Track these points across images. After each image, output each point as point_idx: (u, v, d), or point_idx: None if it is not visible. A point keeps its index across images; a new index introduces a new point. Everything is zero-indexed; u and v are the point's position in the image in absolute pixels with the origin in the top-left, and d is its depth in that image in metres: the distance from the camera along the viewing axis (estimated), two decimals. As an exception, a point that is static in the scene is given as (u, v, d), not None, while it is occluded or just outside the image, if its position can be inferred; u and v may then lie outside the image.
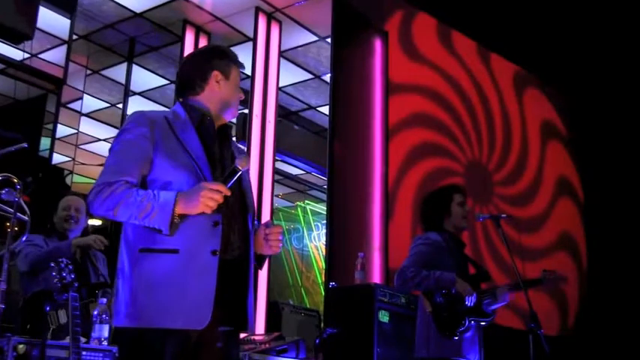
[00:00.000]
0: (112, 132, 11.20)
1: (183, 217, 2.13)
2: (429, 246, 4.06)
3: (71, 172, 10.42)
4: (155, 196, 2.14)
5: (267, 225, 2.37)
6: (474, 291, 3.92)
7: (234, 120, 7.54)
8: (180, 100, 2.41)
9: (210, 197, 2.10)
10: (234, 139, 2.52)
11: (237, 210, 2.28)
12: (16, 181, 3.37)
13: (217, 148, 2.32)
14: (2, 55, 8.20)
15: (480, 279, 4.12)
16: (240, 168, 2.19)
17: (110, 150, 2.26)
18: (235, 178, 2.19)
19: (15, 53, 8.61)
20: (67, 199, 4.54)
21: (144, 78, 10.05)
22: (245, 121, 7.55)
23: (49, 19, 8.26)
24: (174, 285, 2.08)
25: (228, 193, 2.13)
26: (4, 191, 3.31)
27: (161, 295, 2.07)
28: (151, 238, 2.14)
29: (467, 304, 3.88)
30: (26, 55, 9.06)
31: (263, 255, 2.38)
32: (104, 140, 11.64)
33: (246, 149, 2.34)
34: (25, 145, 3.58)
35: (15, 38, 6.54)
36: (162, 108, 11.34)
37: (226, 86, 2.38)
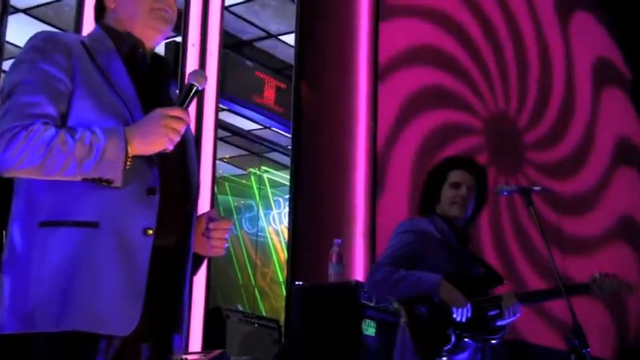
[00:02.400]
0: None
1: (132, 160, 2.18)
2: (413, 235, 4.14)
3: None
4: (95, 133, 2.16)
5: (210, 217, 2.43)
6: (468, 300, 3.96)
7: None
8: (100, 22, 2.49)
9: (173, 127, 2.18)
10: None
11: (178, 178, 2.36)
12: None
13: (152, 88, 2.41)
14: None
15: (488, 283, 4.20)
16: (196, 85, 2.25)
17: (11, 82, 2.25)
18: (191, 98, 2.28)
19: None
20: None
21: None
22: (177, 54, 7.60)
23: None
24: (89, 271, 2.10)
25: (189, 120, 2.22)
26: None
27: (69, 285, 2.07)
28: (58, 205, 2.15)
29: (455, 317, 3.95)
30: None
31: (200, 255, 2.45)
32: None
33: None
34: None
35: None
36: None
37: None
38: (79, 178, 2.15)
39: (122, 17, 2.43)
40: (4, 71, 11.27)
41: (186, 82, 2.26)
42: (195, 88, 2.25)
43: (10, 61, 2.39)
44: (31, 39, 2.31)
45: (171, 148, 2.21)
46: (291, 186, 6.89)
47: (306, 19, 7.31)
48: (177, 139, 2.20)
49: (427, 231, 4.15)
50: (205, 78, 2.28)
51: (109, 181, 2.14)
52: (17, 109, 2.19)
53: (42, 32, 2.37)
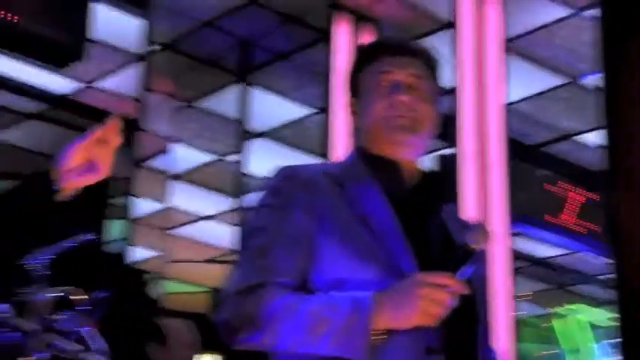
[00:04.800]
0: (224, 203, 11.56)
1: (386, 335, 2.16)
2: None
3: (158, 277, 10.83)
4: (335, 302, 2.19)
5: None
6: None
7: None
8: (356, 142, 2.51)
9: (433, 299, 2.11)
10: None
11: (461, 324, 2.30)
12: (79, 299, 3.47)
13: (416, 216, 2.37)
14: (40, 89, 8.76)
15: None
16: (474, 247, 2.19)
17: (245, 232, 2.37)
18: (470, 265, 2.18)
19: (59, 84, 9.15)
20: (168, 326, 4.70)
21: (268, 107, 10.34)
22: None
23: (110, 24, 8.74)
24: None
25: (465, 291, 2.14)
26: (62, 316, 3.42)
27: None
28: None
29: None
30: (77, 86, 9.64)
31: None
32: (212, 219, 12.05)
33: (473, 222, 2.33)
34: (88, 236, 3.70)
35: (57, 59, 6.89)
36: (303, 157, 11.83)
37: (360, 106, 2.50)
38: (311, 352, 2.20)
39: (365, 134, 2.47)
40: (244, 208, 11.77)
41: (465, 240, 2.22)
42: (474, 254, 2.19)
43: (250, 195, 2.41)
44: (269, 179, 2.39)
45: (431, 324, 2.14)
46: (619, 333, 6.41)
47: (616, 109, 6.91)
48: (438, 315, 2.12)
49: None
50: (487, 237, 2.23)
51: None
52: (243, 266, 2.29)
53: (280, 170, 2.41)
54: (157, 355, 5.15)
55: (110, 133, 2.34)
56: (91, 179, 2.36)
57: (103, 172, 2.31)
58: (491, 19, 8.31)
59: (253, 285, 2.24)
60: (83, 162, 2.36)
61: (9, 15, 6.93)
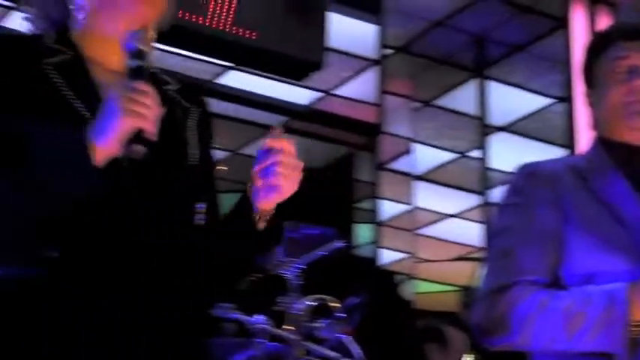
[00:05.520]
0: (470, 200, 11.50)
1: None
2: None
3: (408, 277, 10.87)
4: (588, 296, 2.13)
5: None
6: None
7: None
8: (597, 135, 2.42)
9: None
10: None
11: None
12: (335, 306, 3.53)
13: None
14: (280, 101, 8.98)
15: None
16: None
17: (490, 232, 2.40)
18: None
19: (299, 95, 9.31)
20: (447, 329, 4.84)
21: (507, 101, 10.22)
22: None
23: (345, 32, 8.88)
24: None
25: None
26: (320, 324, 3.48)
27: None
28: None
29: None
30: (316, 95, 9.76)
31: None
32: (458, 217, 11.98)
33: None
34: (339, 244, 3.77)
35: (295, 72, 7.00)
36: (546, 148, 11.53)
37: (597, 96, 2.42)
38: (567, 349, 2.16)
39: (604, 123, 2.39)
40: (490, 203, 11.61)
41: None
42: None
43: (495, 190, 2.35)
44: (511, 178, 2.36)
45: None
46: None
47: None
48: None
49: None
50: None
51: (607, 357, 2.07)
52: (492, 267, 2.28)
53: (521, 167, 2.36)
54: (436, 358, 5.14)
55: (278, 144, 1.98)
56: (275, 199, 2.06)
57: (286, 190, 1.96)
58: None
59: (502, 286, 2.21)
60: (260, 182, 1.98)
61: (247, 32, 7.12)
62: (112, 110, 1.81)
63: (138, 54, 1.91)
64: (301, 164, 1.92)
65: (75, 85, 1.91)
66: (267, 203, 1.99)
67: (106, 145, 1.81)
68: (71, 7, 2.01)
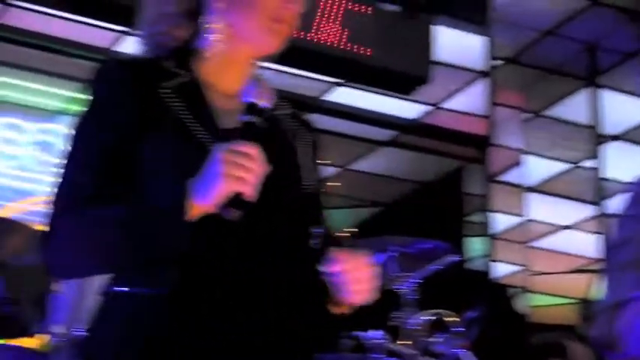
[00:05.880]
0: (584, 211, 11.33)
1: None
2: None
3: (522, 290, 10.73)
4: None
5: None
6: None
7: None
8: None
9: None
10: None
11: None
12: (452, 320, 3.52)
13: None
14: (389, 116, 9.00)
15: None
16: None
17: (610, 244, 2.32)
18: None
19: (407, 109, 9.30)
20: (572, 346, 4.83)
21: (621, 109, 10.06)
22: None
23: (452, 44, 8.86)
24: None
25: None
26: (438, 339, 3.46)
27: None
28: None
29: None
30: (424, 109, 9.74)
31: None
32: (572, 228, 11.79)
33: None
34: (453, 257, 3.76)
35: (403, 87, 7.02)
36: None
37: None
38: None
39: None
40: (606, 214, 11.43)
41: None
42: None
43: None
44: (629, 188, 2.30)
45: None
46: None
47: None
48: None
49: None
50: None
51: None
52: (618, 277, 2.24)
53: (638, 177, 2.30)
54: None
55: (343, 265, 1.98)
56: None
57: None
58: None
59: (622, 300, 2.17)
60: None
61: (362, 48, 7.14)
62: (214, 173, 1.82)
63: (253, 109, 1.91)
64: (374, 273, 1.94)
65: (193, 108, 1.92)
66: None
67: (202, 205, 1.83)
68: (203, 28, 2.00)
